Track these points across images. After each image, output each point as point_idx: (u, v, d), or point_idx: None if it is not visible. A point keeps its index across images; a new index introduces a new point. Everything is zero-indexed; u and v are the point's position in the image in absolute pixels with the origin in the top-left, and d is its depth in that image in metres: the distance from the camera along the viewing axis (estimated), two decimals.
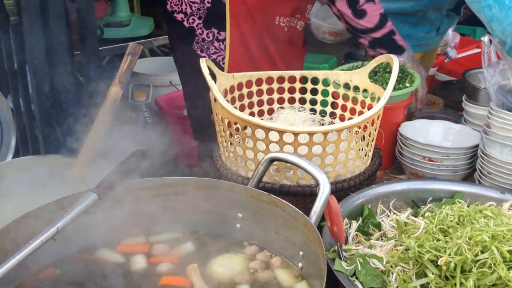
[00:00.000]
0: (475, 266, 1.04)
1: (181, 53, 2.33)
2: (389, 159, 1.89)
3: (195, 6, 2.15)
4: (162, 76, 3.38)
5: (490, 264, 1.03)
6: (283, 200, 1.12)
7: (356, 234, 1.35)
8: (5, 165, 1.73)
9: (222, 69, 2.15)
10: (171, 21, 2.25)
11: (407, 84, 1.82)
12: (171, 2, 2.22)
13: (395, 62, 1.51)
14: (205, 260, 1.17)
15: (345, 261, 1.20)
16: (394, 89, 1.69)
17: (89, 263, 1.15)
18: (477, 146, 1.70)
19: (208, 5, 2.13)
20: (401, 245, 1.21)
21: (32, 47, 1.91)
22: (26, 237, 1.05)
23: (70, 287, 1.08)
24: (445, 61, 3.27)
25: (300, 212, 1.07)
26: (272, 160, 1.21)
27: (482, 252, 1.05)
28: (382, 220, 1.40)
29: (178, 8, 2.20)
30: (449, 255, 1.07)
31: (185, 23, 2.20)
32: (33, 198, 1.56)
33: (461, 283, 1.04)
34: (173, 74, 3.51)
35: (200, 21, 2.17)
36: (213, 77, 1.56)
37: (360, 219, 1.38)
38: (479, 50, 3.58)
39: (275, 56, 2.22)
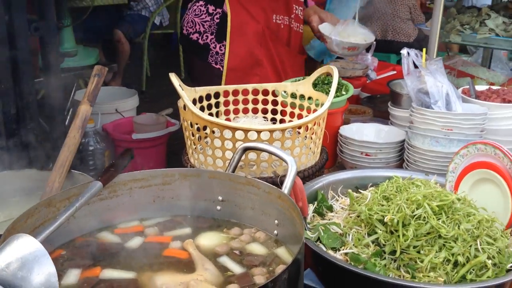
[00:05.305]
0: (412, 219, 1.32)
1: (197, 68, 2.63)
2: (331, 159, 2.18)
3: (206, 24, 2.48)
4: (108, 104, 3.53)
5: (424, 217, 1.32)
6: (258, 180, 1.35)
7: (313, 215, 1.60)
8: None
9: None
10: (187, 42, 2.59)
11: (343, 92, 2.13)
12: (186, 26, 2.56)
13: (335, 71, 1.81)
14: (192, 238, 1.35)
15: (309, 231, 1.45)
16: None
17: (91, 243, 1.31)
18: (403, 141, 2.03)
19: (217, 20, 2.47)
20: (353, 213, 1.47)
21: None
22: (40, 223, 1.21)
23: (74, 263, 1.23)
24: (367, 82, 3.69)
25: (274, 186, 1.30)
26: (246, 149, 1.44)
27: (417, 209, 1.33)
28: (333, 204, 1.67)
29: (192, 29, 2.53)
30: (392, 213, 1.34)
31: (200, 41, 2.52)
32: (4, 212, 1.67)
33: (403, 234, 1.32)
34: (118, 102, 3.67)
35: (213, 36, 2.49)
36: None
37: (316, 203, 1.64)
38: (394, 72, 4.06)
39: (275, 57, 2.52)
